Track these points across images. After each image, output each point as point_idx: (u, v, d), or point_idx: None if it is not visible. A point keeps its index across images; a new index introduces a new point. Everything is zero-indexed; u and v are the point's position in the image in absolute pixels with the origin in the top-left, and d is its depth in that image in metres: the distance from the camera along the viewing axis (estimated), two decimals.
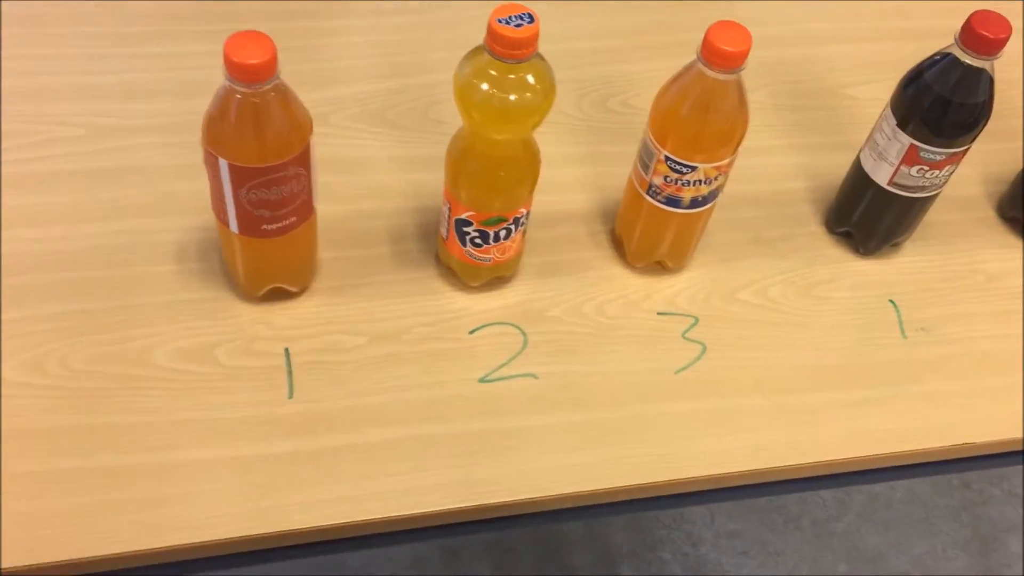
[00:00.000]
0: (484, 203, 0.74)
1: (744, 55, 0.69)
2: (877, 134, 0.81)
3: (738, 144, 0.75)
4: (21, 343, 0.75)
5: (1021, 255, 0.91)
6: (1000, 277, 0.89)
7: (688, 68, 0.72)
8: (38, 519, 0.67)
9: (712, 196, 0.78)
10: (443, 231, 0.79)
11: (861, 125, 0.87)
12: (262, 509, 0.70)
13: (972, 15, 0.73)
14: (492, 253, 0.78)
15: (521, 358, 0.79)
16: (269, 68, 0.63)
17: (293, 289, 0.79)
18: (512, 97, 0.67)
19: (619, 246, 0.86)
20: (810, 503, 1.76)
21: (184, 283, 0.79)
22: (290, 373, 0.76)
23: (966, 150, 0.79)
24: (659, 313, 0.83)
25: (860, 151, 0.85)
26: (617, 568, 1.40)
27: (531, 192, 0.76)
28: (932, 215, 0.88)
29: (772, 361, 0.82)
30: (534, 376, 0.78)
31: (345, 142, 0.91)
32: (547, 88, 0.68)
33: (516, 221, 0.76)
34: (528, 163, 0.74)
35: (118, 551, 0.67)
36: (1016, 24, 1.08)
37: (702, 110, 0.72)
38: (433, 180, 0.77)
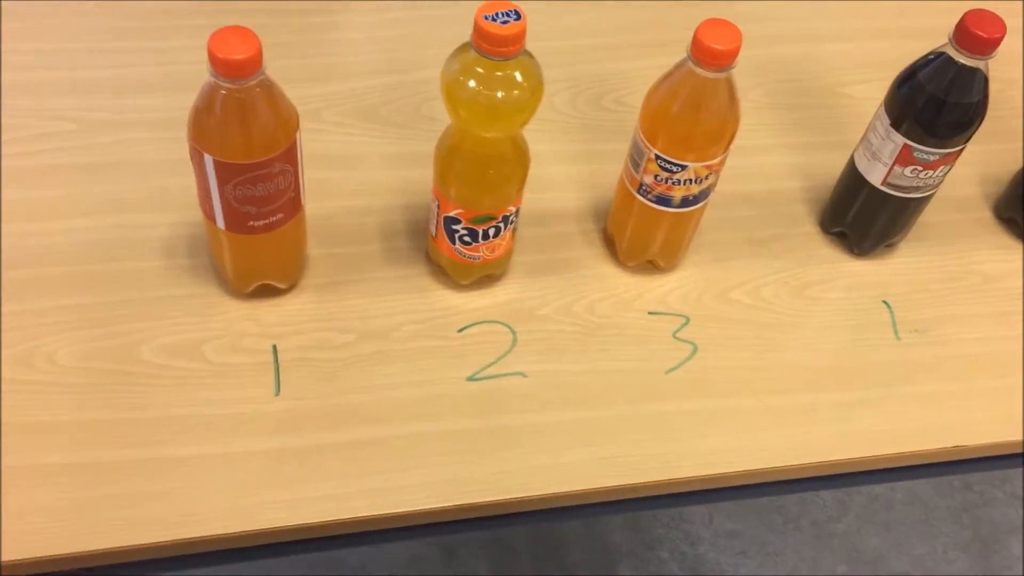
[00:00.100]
0: (473, 201, 0.74)
1: (734, 53, 0.68)
2: (871, 134, 0.81)
3: (729, 143, 0.74)
4: (8, 338, 0.74)
5: (1018, 256, 0.90)
6: (996, 278, 0.89)
7: (678, 66, 0.71)
8: (24, 514, 0.67)
9: (703, 195, 0.77)
10: (432, 229, 0.79)
11: (858, 124, 0.86)
12: (248, 506, 0.70)
13: (966, 14, 0.72)
14: (481, 251, 0.77)
15: (510, 357, 0.79)
16: (254, 64, 0.63)
17: (282, 286, 0.79)
18: (499, 95, 0.67)
19: (611, 245, 0.85)
20: (810, 504, 1.76)
21: (173, 279, 0.79)
22: (277, 370, 0.76)
23: (960, 150, 0.79)
24: (650, 312, 0.83)
25: (854, 151, 0.84)
26: (615, 567, 1.40)
27: (520, 190, 0.76)
28: (928, 215, 0.88)
29: (763, 362, 0.81)
30: (523, 375, 0.78)
31: (338, 138, 0.91)
32: (535, 85, 0.68)
33: (505, 219, 0.76)
34: (517, 161, 0.73)
35: (104, 547, 0.67)
36: (1015, 23, 1.08)
37: (692, 109, 0.71)
38: (425, 177, 0.76)
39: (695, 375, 0.80)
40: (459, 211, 0.74)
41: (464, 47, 0.67)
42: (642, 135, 0.75)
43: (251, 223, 0.71)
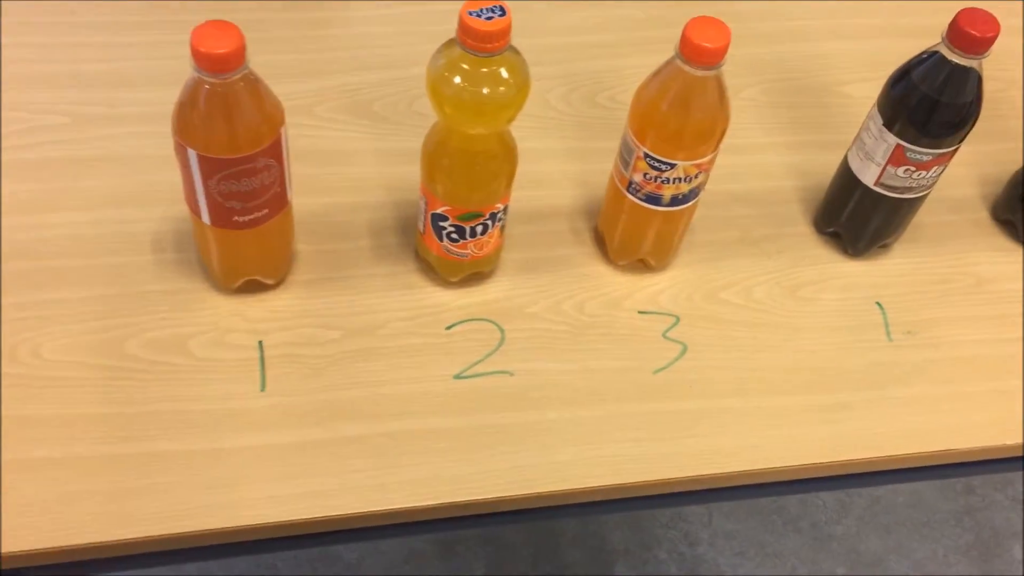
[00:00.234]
0: (460, 198, 0.74)
1: (722, 52, 0.68)
2: (864, 134, 0.80)
3: (718, 142, 0.73)
4: None
5: (1013, 258, 0.89)
6: (991, 280, 0.88)
7: (667, 64, 0.71)
8: (6, 508, 0.67)
9: (693, 194, 0.77)
10: (420, 225, 0.78)
11: (855, 124, 0.85)
12: (231, 502, 0.69)
13: (959, 13, 0.71)
14: (469, 248, 0.77)
15: (497, 355, 0.78)
16: (236, 58, 0.63)
17: (269, 281, 0.79)
18: (485, 91, 0.66)
19: (602, 244, 0.85)
20: (810, 505, 1.75)
21: (160, 274, 0.79)
22: (263, 366, 0.75)
23: (954, 151, 0.78)
24: (640, 312, 0.82)
25: (848, 151, 0.83)
26: (612, 566, 1.40)
27: (508, 187, 0.75)
28: (923, 216, 0.87)
29: (754, 362, 0.81)
30: (510, 373, 0.77)
31: (329, 134, 0.90)
32: (521, 82, 0.67)
33: (493, 216, 0.75)
34: (504, 157, 0.73)
35: (87, 541, 0.67)
36: (1015, 23, 1.07)
37: (681, 107, 0.71)
38: (416, 174, 0.76)
39: (684, 375, 0.79)
40: (446, 208, 0.74)
41: (450, 43, 0.66)
42: (631, 133, 0.74)
43: (236, 218, 0.70)
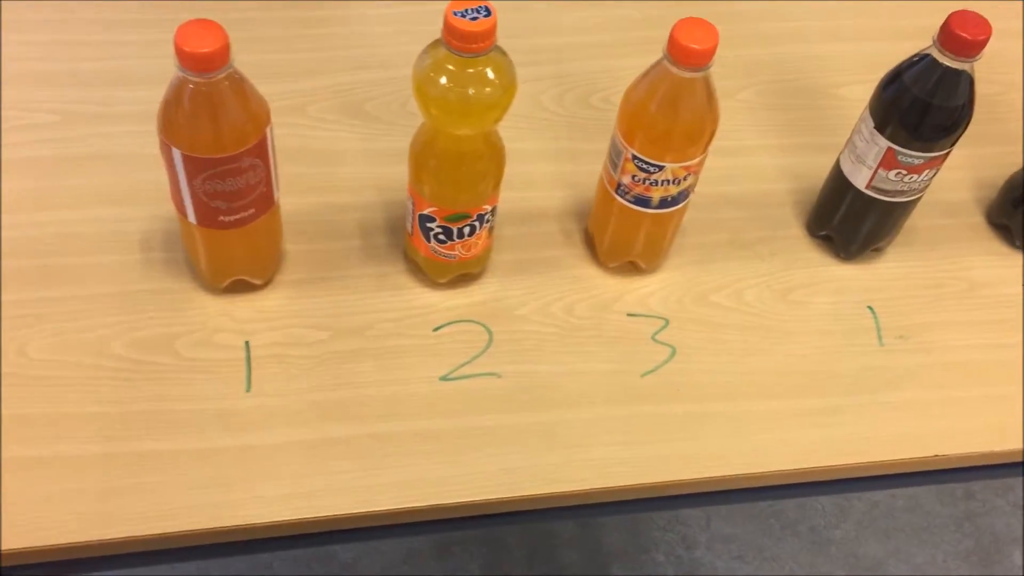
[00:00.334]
0: (447, 199, 0.73)
1: (710, 53, 0.67)
2: (856, 136, 0.80)
3: (707, 144, 0.73)
4: None
5: (1008, 263, 0.89)
6: (985, 285, 0.87)
7: (655, 66, 0.70)
8: None
9: (682, 197, 0.76)
10: (408, 226, 0.78)
11: (849, 126, 0.84)
12: (216, 503, 0.69)
13: (951, 15, 0.71)
14: (457, 249, 0.77)
15: (485, 357, 0.78)
16: (220, 57, 0.62)
17: (257, 281, 0.78)
18: (470, 92, 0.66)
19: (592, 245, 0.84)
20: (809, 509, 1.74)
21: (147, 273, 0.79)
22: (249, 366, 0.75)
23: (946, 154, 0.77)
24: (629, 314, 0.82)
25: (840, 154, 0.83)
26: (608, 568, 1.39)
27: (496, 188, 0.75)
28: (917, 220, 0.86)
29: (744, 366, 0.80)
30: (497, 375, 0.77)
31: (320, 133, 0.90)
32: (507, 83, 0.67)
33: (481, 218, 0.75)
34: (491, 158, 0.73)
35: (73, 540, 0.67)
36: (1015, 26, 1.06)
37: (669, 109, 0.70)
38: (406, 174, 0.76)
39: (672, 379, 0.79)
40: (433, 209, 0.74)
41: (435, 44, 0.66)
42: (620, 135, 0.74)
43: (221, 218, 0.70)
